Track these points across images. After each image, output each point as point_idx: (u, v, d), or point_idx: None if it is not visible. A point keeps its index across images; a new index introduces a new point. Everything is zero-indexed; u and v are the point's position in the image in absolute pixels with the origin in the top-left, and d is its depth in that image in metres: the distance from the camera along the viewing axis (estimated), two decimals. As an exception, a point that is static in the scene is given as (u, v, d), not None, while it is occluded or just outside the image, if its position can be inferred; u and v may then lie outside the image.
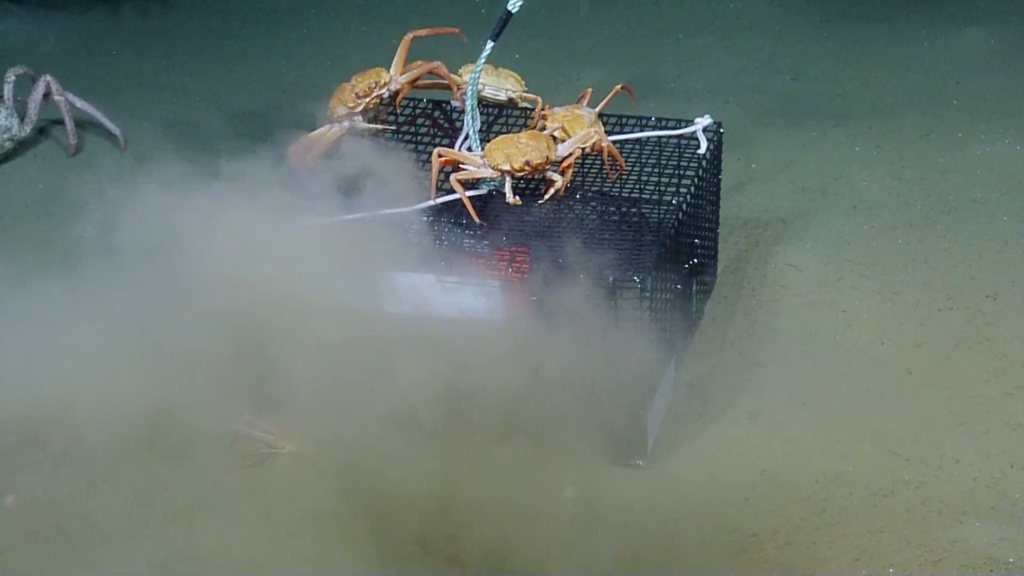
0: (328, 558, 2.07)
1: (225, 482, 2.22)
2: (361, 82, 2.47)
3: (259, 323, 2.20)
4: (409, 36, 2.52)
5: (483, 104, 2.59)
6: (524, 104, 2.59)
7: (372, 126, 2.50)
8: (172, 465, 2.23)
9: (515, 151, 2.29)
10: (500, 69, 2.58)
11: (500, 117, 2.65)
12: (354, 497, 2.16)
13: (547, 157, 2.29)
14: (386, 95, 2.49)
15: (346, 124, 2.48)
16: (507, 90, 2.56)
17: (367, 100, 2.46)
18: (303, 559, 2.09)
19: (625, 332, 2.19)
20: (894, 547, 2.10)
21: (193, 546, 2.11)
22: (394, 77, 2.50)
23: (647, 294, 2.20)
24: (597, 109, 2.50)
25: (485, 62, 2.53)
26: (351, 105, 2.46)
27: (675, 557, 2.12)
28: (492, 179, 2.34)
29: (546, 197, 2.32)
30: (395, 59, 2.53)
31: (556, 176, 2.32)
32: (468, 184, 2.36)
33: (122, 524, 2.14)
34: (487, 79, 2.53)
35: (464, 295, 2.25)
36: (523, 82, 2.60)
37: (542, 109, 2.56)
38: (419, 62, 2.53)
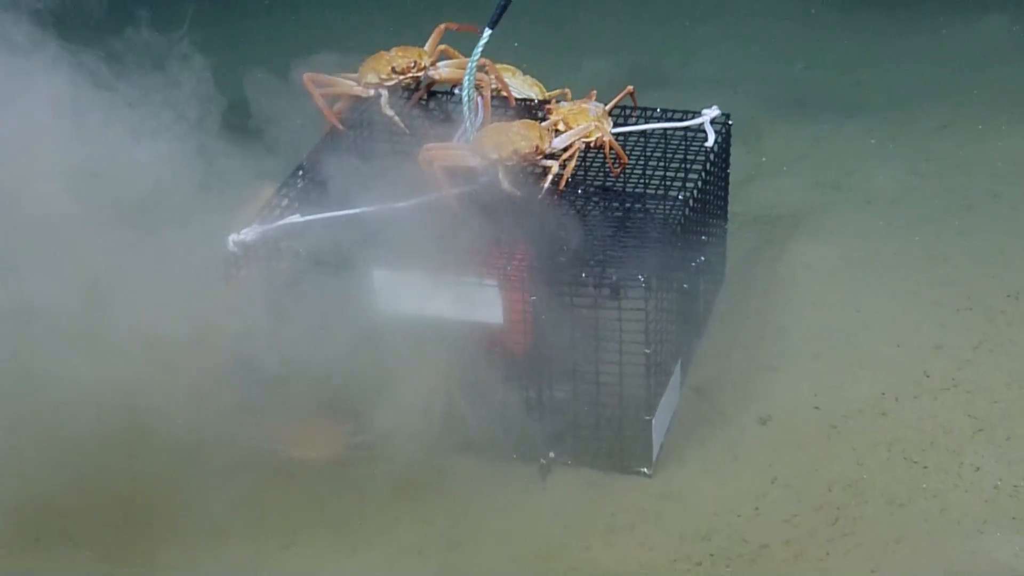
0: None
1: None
2: (401, 58, 2.49)
3: None
4: (442, 27, 2.58)
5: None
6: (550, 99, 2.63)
7: (395, 118, 2.51)
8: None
9: (504, 140, 2.29)
10: (527, 76, 2.63)
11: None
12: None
13: (537, 147, 2.29)
14: (423, 78, 2.52)
15: (371, 93, 2.50)
16: (528, 99, 2.61)
17: (401, 78, 2.49)
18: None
19: (630, 333, 2.20)
20: (911, 559, 2.12)
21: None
22: (436, 66, 2.54)
23: (652, 294, 2.20)
24: (608, 106, 2.52)
25: (512, 65, 2.56)
26: (383, 76, 2.49)
27: (682, 569, 2.13)
28: (485, 170, 2.33)
29: (544, 186, 2.32)
30: (428, 45, 2.57)
31: (549, 162, 2.32)
32: (466, 177, 2.37)
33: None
34: (511, 82, 2.58)
35: (460, 295, 2.26)
36: (546, 91, 2.64)
37: (557, 102, 2.58)
38: (463, 59, 2.56)
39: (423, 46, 2.59)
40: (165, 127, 2.38)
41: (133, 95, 2.37)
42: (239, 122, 2.50)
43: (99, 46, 2.40)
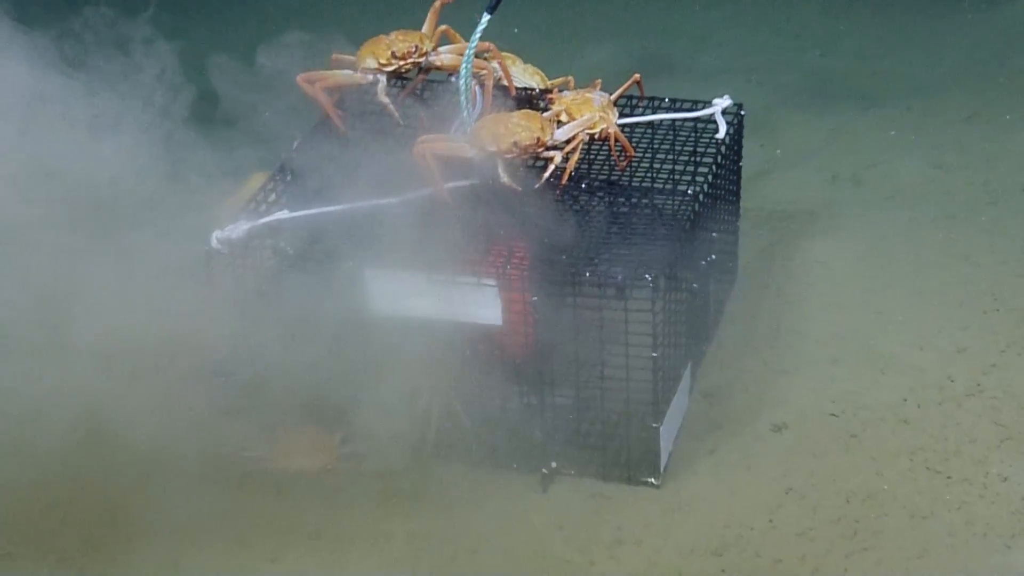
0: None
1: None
2: (402, 42, 2.48)
3: None
4: (438, 4, 2.57)
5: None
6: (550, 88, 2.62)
7: (390, 106, 2.50)
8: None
9: (503, 131, 2.28)
10: (527, 65, 2.62)
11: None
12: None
13: (538, 139, 2.28)
14: (423, 64, 2.51)
15: (370, 79, 2.49)
16: (530, 88, 2.60)
17: (401, 63, 2.48)
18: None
19: (636, 336, 2.18)
20: (934, 574, 2.10)
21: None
22: (437, 51, 2.53)
23: (660, 294, 2.18)
24: (613, 96, 2.51)
25: (513, 54, 2.55)
26: (383, 61, 2.48)
27: (691, 586, 2.12)
28: (483, 162, 2.32)
29: (544, 175, 2.30)
30: (426, 27, 2.56)
31: (552, 153, 2.31)
32: (463, 171, 2.35)
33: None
34: (511, 70, 2.57)
35: (456, 295, 2.24)
36: (548, 80, 2.64)
37: (559, 91, 2.57)
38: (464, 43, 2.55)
39: (418, 31, 2.57)
40: (135, 119, 2.37)
41: (97, 82, 2.35)
42: (223, 114, 2.48)
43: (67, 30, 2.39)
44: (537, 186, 2.32)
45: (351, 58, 2.53)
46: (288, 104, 2.50)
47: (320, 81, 2.48)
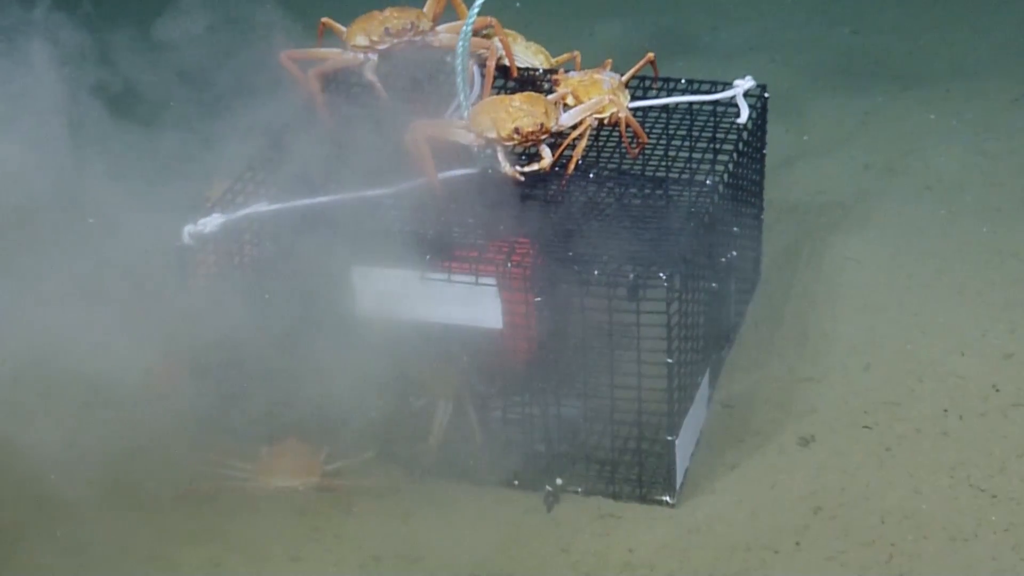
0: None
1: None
2: (396, 19, 2.48)
3: None
4: None
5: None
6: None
7: (377, 85, 2.48)
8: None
9: (504, 116, 2.28)
10: (530, 43, 2.63)
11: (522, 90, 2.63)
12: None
13: (542, 124, 2.28)
14: (419, 42, 2.51)
15: (361, 58, 2.49)
16: (533, 68, 2.60)
17: (395, 42, 2.48)
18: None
19: (649, 340, 2.16)
20: (977, 603, 2.09)
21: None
22: (435, 30, 2.52)
23: (675, 294, 2.17)
24: (625, 77, 2.50)
25: (516, 32, 2.56)
26: (375, 39, 2.48)
27: (709, 615, 2.10)
28: (482, 149, 2.30)
29: (526, 169, 2.30)
30: (427, 6, 2.55)
31: (546, 150, 2.31)
32: (459, 157, 2.34)
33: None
34: (514, 47, 2.58)
35: (453, 295, 2.21)
36: (552, 59, 2.64)
37: (565, 71, 2.56)
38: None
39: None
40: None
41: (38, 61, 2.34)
42: (198, 95, 2.47)
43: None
44: (514, 169, 2.28)
45: (342, 28, 2.52)
46: (268, 85, 2.48)
47: (315, 63, 2.47)
